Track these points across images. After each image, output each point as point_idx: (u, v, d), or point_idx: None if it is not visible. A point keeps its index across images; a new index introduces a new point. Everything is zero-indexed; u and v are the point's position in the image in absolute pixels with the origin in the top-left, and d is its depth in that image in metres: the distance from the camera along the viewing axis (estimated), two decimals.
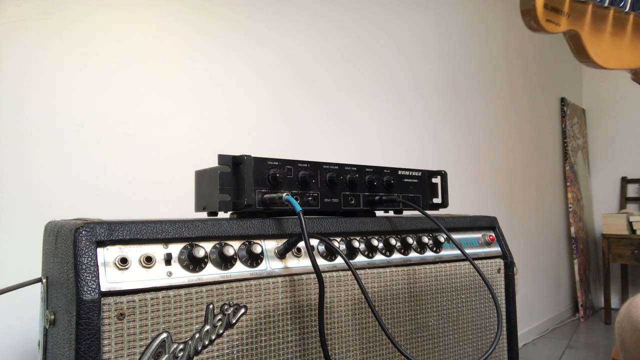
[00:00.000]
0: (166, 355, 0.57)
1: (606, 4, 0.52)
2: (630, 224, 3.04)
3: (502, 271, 0.98)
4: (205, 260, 0.63)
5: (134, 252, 0.58)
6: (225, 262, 0.64)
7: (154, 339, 0.56)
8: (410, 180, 0.91)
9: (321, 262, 0.73)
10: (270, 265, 0.68)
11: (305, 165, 0.77)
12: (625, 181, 3.53)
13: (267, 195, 0.72)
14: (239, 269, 0.65)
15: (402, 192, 0.90)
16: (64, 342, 0.56)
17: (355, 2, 1.80)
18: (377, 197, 0.85)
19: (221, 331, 0.61)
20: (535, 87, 3.06)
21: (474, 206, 2.27)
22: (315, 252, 0.73)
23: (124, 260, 0.57)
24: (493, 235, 1.00)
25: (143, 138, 1.16)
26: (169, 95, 1.23)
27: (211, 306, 0.61)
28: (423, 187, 0.93)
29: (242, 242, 0.67)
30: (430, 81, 2.14)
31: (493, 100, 2.59)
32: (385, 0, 1.93)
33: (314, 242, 0.74)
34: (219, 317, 0.61)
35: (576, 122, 3.56)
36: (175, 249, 0.61)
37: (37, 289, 0.73)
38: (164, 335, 0.57)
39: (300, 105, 1.56)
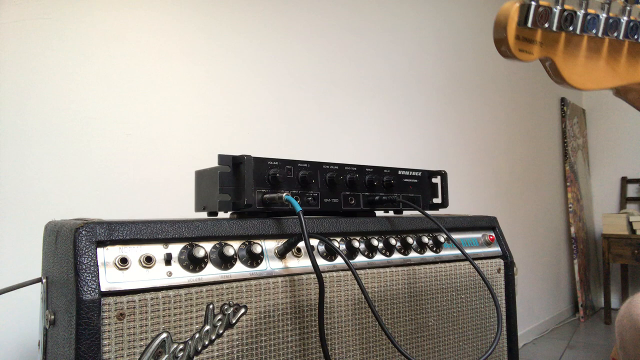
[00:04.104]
0: (166, 355, 0.57)
1: (578, 32, 0.52)
2: (630, 224, 3.04)
3: (502, 271, 0.98)
4: (205, 260, 0.63)
5: (134, 252, 0.58)
6: (225, 262, 0.64)
7: (154, 339, 0.56)
8: (410, 180, 0.91)
9: (321, 262, 0.73)
10: (270, 265, 0.68)
11: (305, 165, 0.77)
12: (625, 181, 3.53)
13: (267, 195, 0.72)
14: (239, 269, 0.65)
15: (402, 192, 0.90)
16: (64, 342, 0.56)
17: (356, 2, 1.80)
18: (377, 197, 0.85)
19: (221, 331, 0.61)
20: (535, 87, 3.06)
21: (474, 206, 2.27)
22: (315, 252, 0.73)
23: (124, 260, 0.57)
24: (493, 235, 1.00)
25: (143, 138, 1.16)
26: (169, 95, 1.23)
27: (211, 306, 0.61)
28: (423, 187, 0.93)
29: (242, 242, 0.67)
30: (431, 81, 2.14)
31: (493, 100, 2.59)
32: (386, 0, 1.93)
33: (314, 242, 0.74)
34: (219, 317, 0.61)
35: (576, 122, 3.56)
36: (175, 249, 0.61)
37: (37, 289, 0.73)
38: (164, 335, 0.57)
39: (300, 105, 1.56)
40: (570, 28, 0.52)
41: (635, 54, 0.57)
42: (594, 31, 0.53)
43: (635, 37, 0.56)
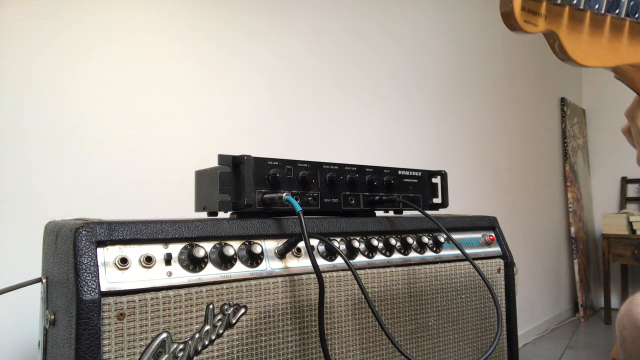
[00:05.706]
0: (166, 355, 0.57)
1: (582, 7, 0.52)
2: (630, 224, 3.04)
3: (502, 271, 0.98)
4: (205, 260, 0.63)
5: (134, 252, 0.58)
6: (225, 262, 0.64)
7: (154, 339, 0.56)
8: (410, 180, 0.91)
9: (321, 262, 0.73)
10: (270, 265, 0.68)
11: (305, 165, 0.77)
12: (625, 181, 3.53)
13: (267, 195, 0.72)
14: (239, 269, 0.65)
15: (402, 192, 0.90)
16: (64, 342, 0.56)
17: (356, 2, 1.80)
18: (377, 197, 0.85)
19: (221, 331, 0.61)
20: (535, 87, 3.06)
21: (474, 206, 2.27)
22: (315, 252, 0.73)
23: (124, 260, 0.57)
24: (493, 235, 1.00)
25: (143, 138, 1.16)
26: (169, 95, 1.23)
27: (211, 306, 0.61)
28: (423, 187, 0.93)
29: (242, 242, 0.67)
30: (431, 81, 2.14)
31: (493, 100, 2.59)
32: (386, 0, 1.93)
33: (314, 242, 0.74)
34: (219, 317, 0.61)
35: (576, 122, 3.56)
36: (175, 249, 0.61)
37: (37, 289, 0.73)
38: (164, 335, 0.57)
39: (300, 105, 1.56)
40: (574, 1, 0.52)
41: (636, 34, 0.57)
42: (596, 7, 0.53)
43: (636, 16, 0.55)
